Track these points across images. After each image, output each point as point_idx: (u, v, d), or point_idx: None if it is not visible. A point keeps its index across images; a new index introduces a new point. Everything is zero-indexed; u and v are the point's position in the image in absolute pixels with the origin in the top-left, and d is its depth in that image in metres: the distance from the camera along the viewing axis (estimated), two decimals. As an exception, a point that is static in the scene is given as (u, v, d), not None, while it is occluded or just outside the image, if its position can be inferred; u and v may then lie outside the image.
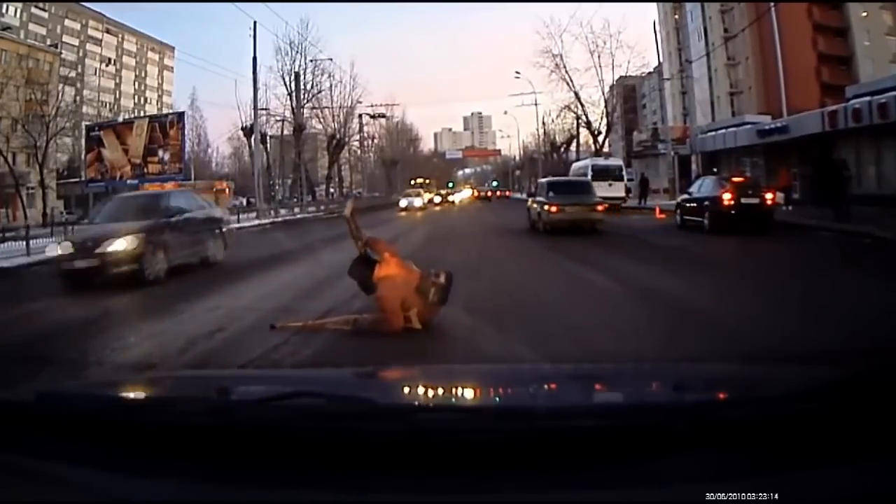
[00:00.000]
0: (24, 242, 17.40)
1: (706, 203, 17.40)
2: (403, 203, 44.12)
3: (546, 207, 18.36)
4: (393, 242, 6.79)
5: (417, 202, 44.58)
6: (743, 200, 16.59)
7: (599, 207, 18.32)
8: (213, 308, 8.00)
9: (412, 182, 66.47)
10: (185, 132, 41.96)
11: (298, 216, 38.74)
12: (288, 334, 6.03)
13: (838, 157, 20.26)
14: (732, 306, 7.13)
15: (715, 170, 29.09)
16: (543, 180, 22.99)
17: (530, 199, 22.81)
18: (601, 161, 35.75)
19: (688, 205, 19.06)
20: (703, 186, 18.69)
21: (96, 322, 7.70)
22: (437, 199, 59.26)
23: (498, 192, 74.90)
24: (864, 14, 43.49)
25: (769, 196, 17.39)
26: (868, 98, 21.46)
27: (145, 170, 37.30)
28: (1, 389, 1.72)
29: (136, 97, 78.49)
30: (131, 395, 1.87)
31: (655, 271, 10.04)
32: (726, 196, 16.73)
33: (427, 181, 70.54)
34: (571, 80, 46.20)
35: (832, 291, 7.85)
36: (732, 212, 16.46)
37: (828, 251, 13.33)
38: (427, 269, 6.30)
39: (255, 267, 12.51)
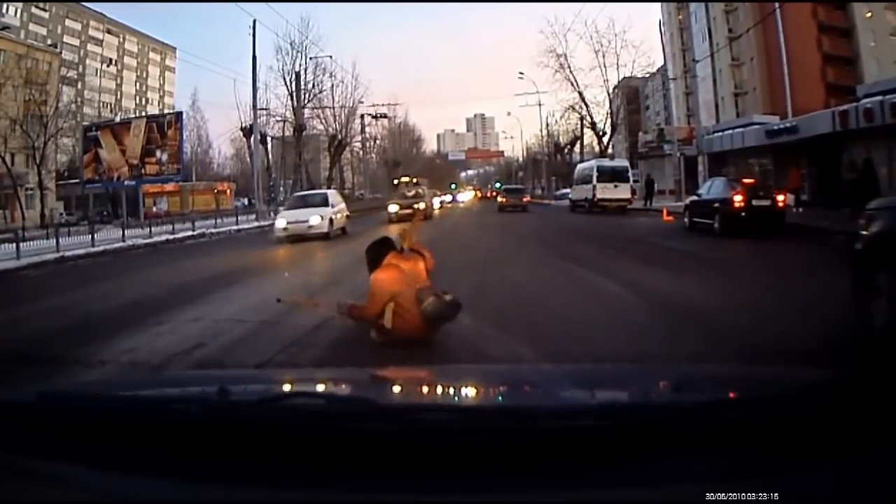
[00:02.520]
0: (15, 245, 17.04)
1: (716, 205, 17.01)
2: (281, 224, 20.67)
3: (500, 198, 41.96)
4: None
5: (315, 221, 20.05)
6: (754, 202, 16.23)
7: (524, 199, 40.59)
8: (195, 319, 7.55)
9: (395, 182, 48.34)
10: (184, 133, 41.69)
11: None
12: (272, 353, 5.68)
13: (851, 160, 19.88)
14: (772, 317, 6.57)
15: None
16: (503, 187, 53.18)
17: (498, 196, 48.27)
18: (607, 162, 35.35)
19: (697, 207, 18.65)
20: (712, 188, 18.34)
21: (66, 333, 7.25)
22: (395, 209, 29.96)
23: (494, 192, 78.28)
24: (869, 14, 43.30)
25: (780, 198, 17.01)
26: (880, 97, 21.05)
27: (143, 170, 37.03)
28: (1, 389, 1.78)
29: (138, 98, 78.39)
30: (131, 394, 1.86)
31: (672, 278, 9.51)
32: (737, 198, 16.35)
33: (416, 180, 47.64)
34: (576, 80, 46.15)
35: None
36: (743, 214, 16.09)
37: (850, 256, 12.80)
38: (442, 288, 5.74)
39: (246, 273, 12.04)
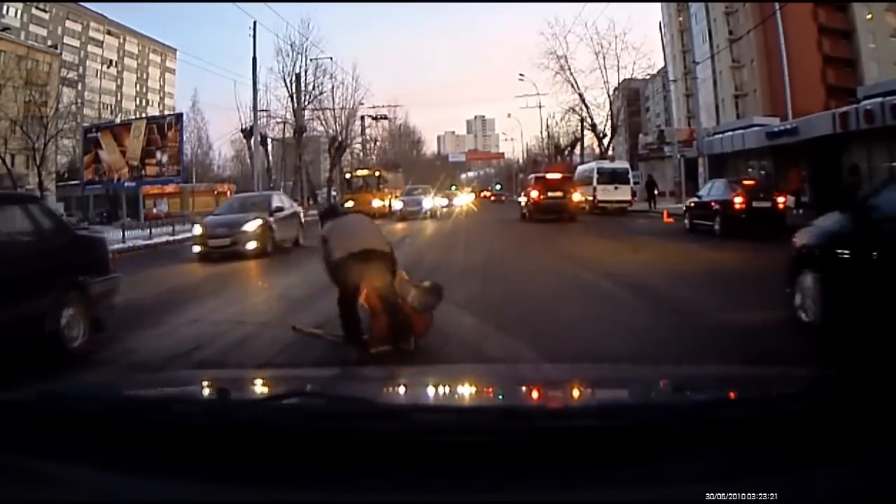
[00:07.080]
0: None
1: (717, 207, 17.00)
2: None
3: (492, 196, 76.26)
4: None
5: None
6: (754, 204, 16.23)
7: (503, 197, 72.29)
8: (193, 321, 7.49)
9: (347, 176, 40.03)
10: (184, 134, 41.68)
11: (298, 220, 38.07)
12: (272, 354, 5.72)
13: (853, 164, 19.93)
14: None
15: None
16: (497, 191, 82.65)
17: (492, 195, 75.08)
18: (607, 164, 35.31)
19: (697, 208, 18.64)
20: (713, 189, 18.33)
21: None
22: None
23: (493, 193, 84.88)
24: (869, 16, 43.26)
25: (781, 199, 17.02)
26: (880, 99, 21.07)
27: (143, 172, 36.97)
28: (1, 389, 1.72)
29: (138, 99, 78.37)
30: (131, 395, 1.86)
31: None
32: (738, 199, 16.36)
33: (378, 174, 38.07)
34: (576, 82, 45.96)
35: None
36: (744, 216, 16.09)
37: None
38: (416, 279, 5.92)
39: (243, 276, 12.05)
